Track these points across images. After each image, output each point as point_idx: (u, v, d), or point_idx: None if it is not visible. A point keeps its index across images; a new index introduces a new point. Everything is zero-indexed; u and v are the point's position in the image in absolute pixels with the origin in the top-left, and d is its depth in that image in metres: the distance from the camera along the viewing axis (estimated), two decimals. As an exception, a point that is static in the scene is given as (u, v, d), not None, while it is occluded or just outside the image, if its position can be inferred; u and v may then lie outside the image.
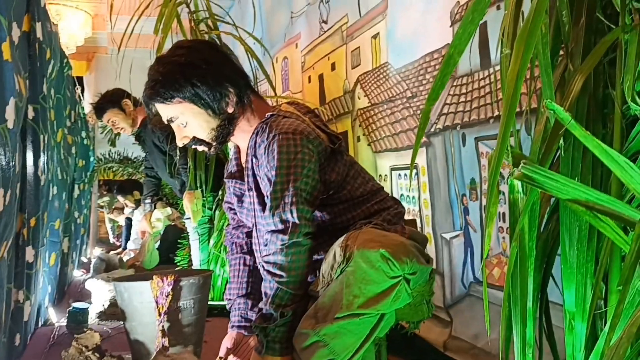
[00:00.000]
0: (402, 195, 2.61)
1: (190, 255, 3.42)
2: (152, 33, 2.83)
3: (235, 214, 1.70)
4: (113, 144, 5.91)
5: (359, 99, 2.95)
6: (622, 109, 1.00)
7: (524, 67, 0.85)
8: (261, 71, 3.23)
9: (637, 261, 0.82)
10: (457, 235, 2.19)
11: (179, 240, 4.02)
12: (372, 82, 2.82)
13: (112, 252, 5.22)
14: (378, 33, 2.74)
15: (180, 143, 1.52)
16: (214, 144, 1.52)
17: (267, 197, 1.41)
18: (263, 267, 1.40)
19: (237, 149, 1.68)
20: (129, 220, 5.51)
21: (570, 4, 1.10)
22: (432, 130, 2.28)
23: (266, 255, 1.39)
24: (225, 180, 1.69)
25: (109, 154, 6.16)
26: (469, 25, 1.16)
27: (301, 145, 1.40)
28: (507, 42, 1.01)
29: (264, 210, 1.43)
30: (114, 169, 6.12)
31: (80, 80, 6.48)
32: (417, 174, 2.45)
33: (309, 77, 3.66)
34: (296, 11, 3.83)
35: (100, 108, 3.31)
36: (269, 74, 3.35)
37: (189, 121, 1.49)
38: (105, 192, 7.00)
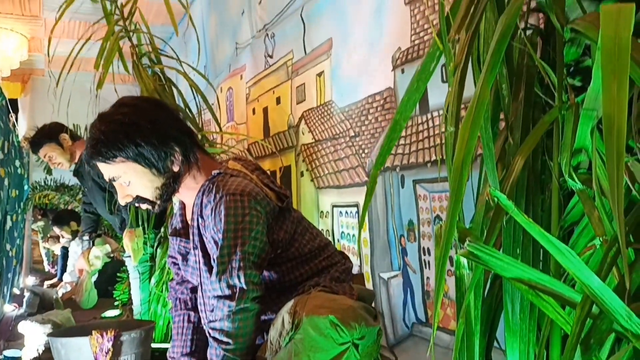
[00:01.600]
0: (342, 232, 2.63)
1: (129, 291, 3.31)
2: (92, 56, 2.75)
3: (180, 269, 1.66)
4: (49, 171, 5.68)
5: (303, 134, 2.96)
6: (560, 180, 1.04)
7: (469, 155, 0.87)
8: (205, 105, 3.20)
9: (577, 343, 0.85)
10: (395, 276, 2.22)
11: (117, 274, 3.89)
12: (317, 118, 2.84)
13: (47, 283, 4.99)
14: (323, 71, 2.76)
15: (122, 202, 1.47)
16: (158, 202, 1.49)
17: (214, 260, 1.38)
18: (209, 333, 1.37)
19: (182, 205, 1.64)
20: (64, 250, 5.30)
21: (510, 78, 1.14)
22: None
23: (212, 321, 1.36)
24: (169, 237, 1.65)
25: (44, 181, 5.92)
26: (414, 93, 1.19)
27: (249, 207, 1.38)
28: (451, 119, 1.04)
29: (209, 271, 1.40)
30: (50, 197, 5.88)
31: (14, 102, 6.24)
32: (357, 212, 2.48)
33: (254, 109, 3.64)
34: (241, 42, 3.82)
35: (36, 143, 3.17)
36: (213, 103, 3.31)
37: (132, 180, 1.45)
38: (39, 217, 6.72)
